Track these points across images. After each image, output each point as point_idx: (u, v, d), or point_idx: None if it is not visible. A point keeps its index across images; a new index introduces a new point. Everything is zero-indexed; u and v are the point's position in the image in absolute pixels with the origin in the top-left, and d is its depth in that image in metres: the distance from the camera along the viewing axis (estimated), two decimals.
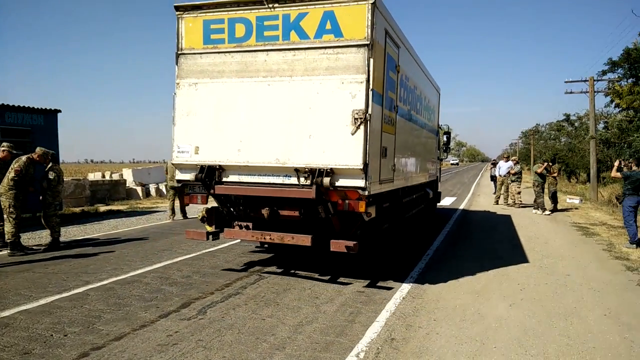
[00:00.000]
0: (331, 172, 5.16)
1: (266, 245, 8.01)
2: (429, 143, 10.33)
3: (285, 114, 5.41)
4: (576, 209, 15.44)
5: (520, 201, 15.65)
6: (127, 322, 4.55)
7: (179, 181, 6.19)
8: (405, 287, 5.90)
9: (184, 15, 5.85)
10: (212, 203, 6.50)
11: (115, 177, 19.32)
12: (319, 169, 5.16)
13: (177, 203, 12.26)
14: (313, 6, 5.28)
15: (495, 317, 4.85)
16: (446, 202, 17.48)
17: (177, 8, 5.86)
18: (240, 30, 5.60)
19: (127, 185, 18.44)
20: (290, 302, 5.27)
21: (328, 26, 5.23)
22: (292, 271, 6.62)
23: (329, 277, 6.31)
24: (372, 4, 5.06)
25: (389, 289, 5.85)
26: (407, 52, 7.13)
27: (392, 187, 6.57)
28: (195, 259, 7.40)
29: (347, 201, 5.35)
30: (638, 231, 8.71)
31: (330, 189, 5.25)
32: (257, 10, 5.51)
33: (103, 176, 19.96)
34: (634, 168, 8.93)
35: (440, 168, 13.48)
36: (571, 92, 24.41)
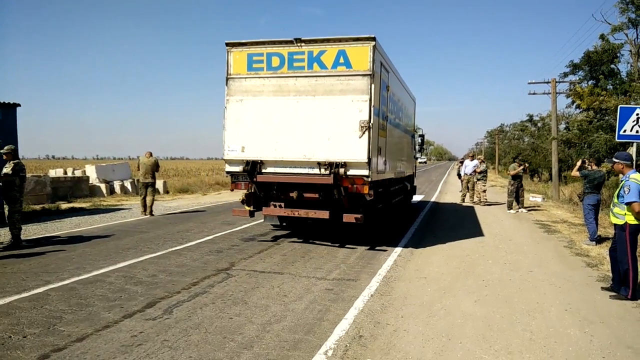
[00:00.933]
0: (344, 165, 7.13)
1: (284, 224, 10.03)
2: (409, 144, 12.63)
3: (310, 122, 7.33)
4: (539, 207, 15.89)
5: (486, 199, 16.00)
6: (90, 323, 4.41)
7: (229, 173, 8.05)
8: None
9: (232, 50, 7.79)
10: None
11: (78, 173, 18.75)
12: (336, 162, 7.12)
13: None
14: (330, 46, 7.24)
15: (461, 313, 4.93)
16: (415, 198, 17.71)
17: (227, 44, 7.82)
18: (275, 61, 7.54)
19: (91, 182, 17.92)
20: (258, 300, 5.22)
21: (341, 60, 7.20)
22: (262, 271, 6.58)
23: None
24: (373, 46, 7.05)
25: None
26: (393, 74, 9.12)
27: (384, 177, 8.59)
28: (162, 257, 7.26)
29: (355, 185, 7.28)
30: (597, 229, 9.02)
31: (343, 177, 7.18)
32: (288, 47, 7.46)
33: (65, 173, 19.32)
34: (594, 167, 9.24)
35: (416, 165, 15.51)
36: (534, 93, 25.01)
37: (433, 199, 18.09)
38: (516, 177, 14.27)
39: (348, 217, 7.50)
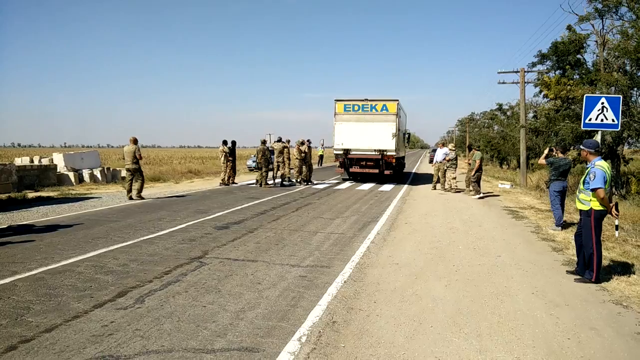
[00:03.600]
0: (384, 150, 18.32)
1: (350, 177, 21.09)
2: (404, 140, 23.11)
3: (370, 133, 18.47)
4: (507, 193, 16.25)
5: (456, 186, 16.28)
6: (59, 313, 4.33)
7: (336, 154, 19.51)
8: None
9: (336, 102, 18.98)
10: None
11: (45, 161, 18.20)
12: (381, 149, 18.32)
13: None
14: (379, 102, 18.49)
15: (432, 298, 5.04)
16: (386, 187, 17.91)
17: (335, 100, 19.00)
18: (355, 107, 18.76)
19: (58, 170, 17.44)
20: (232, 288, 5.22)
21: (384, 108, 18.44)
22: (236, 259, 6.56)
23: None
24: (397, 102, 18.47)
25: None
26: (403, 112, 20.91)
27: (398, 156, 19.64)
28: (133, 246, 7.15)
29: (388, 159, 18.53)
30: (563, 214, 9.29)
31: (384, 154, 18.36)
32: (361, 102, 18.73)
33: (31, 161, 18.71)
34: (560, 155, 9.49)
35: (406, 151, 26.85)
36: (504, 82, 25.49)
37: (404, 188, 18.27)
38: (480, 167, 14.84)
39: (387, 172, 18.82)
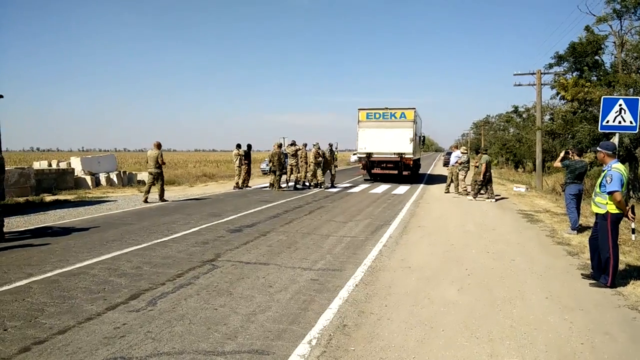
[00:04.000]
0: (403, 153, 20.15)
1: (371, 178, 22.81)
2: (419, 144, 24.48)
3: (391, 137, 20.21)
4: (522, 196, 16.06)
5: (466, 189, 16.19)
6: (72, 315, 4.39)
7: (359, 157, 22.20)
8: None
9: (360, 110, 20.87)
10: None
11: (63, 165, 18.51)
12: (400, 153, 20.12)
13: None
14: (398, 110, 20.43)
15: (444, 302, 5.00)
16: (400, 190, 17.84)
17: (359, 109, 20.89)
18: (377, 115, 20.67)
19: (76, 174, 17.71)
20: (243, 291, 5.23)
21: (402, 115, 20.34)
22: (248, 262, 6.58)
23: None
24: (415, 110, 20.41)
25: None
26: (420, 119, 22.62)
27: (415, 158, 21.77)
28: (146, 249, 7.23)
29: (406, 161, 20.31)
30: (579, 218, 9.15)
31: (402, 157, 20.17)
32: (382, 110, 20.69)
33: (49, 165, 19.05)
34: (576, 158, 9.36)
35: (421, 154, 29.69)
36: (520, 85, 25.21)
37: (418, 191, 18.17)
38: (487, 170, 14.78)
39: (406, 173, 20.60)
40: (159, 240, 7.85)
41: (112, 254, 6.87)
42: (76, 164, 18.50)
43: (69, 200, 13.64)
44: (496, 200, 14.61)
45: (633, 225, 5.99)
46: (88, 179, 17.55)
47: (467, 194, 15.91)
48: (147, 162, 13.74)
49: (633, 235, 6.13)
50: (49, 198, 13.85)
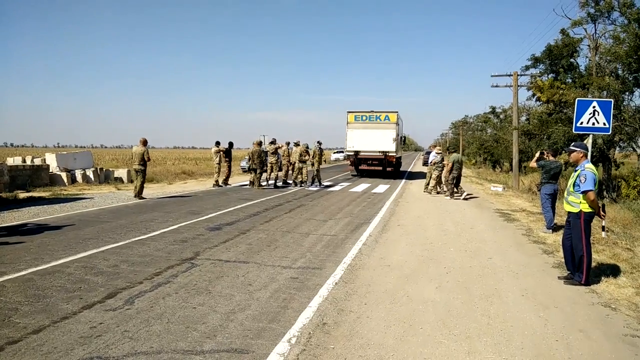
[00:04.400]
0: (387, 152, 22.69)
1: (358, 174, 25.00)
2: (400, 143, 26.22)
3: (376, 137, 22.65)
4: (499, 196, 16.33)
5: (437, 188, 16.53)
6: (47, 315, 4.31)
7: (348, 155, 24.35)
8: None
9: (348, 113, 23.11)
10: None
11: (38, 162, 18.09)
12: (384, 151, 22.64)
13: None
14: (382, 114, 22.79)
15: (423, 300, 5.05)
16: (380, 189, 17.95)
17: (348, 112, 23.16)
18: (364, 118, 23.05)
19: (51, 170, 17.34)
20: (223, 289, 5.20)
21: (386, 118, 22.74)
22: (227, 260, 6.54)
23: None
24: (397, 113, 22.93)
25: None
26: (401, 120, 25.12)
27: (397, 156, 24.42)
28: (124, 247, 7.12)
29: (390, 158, 22.91)
30: (554, 217, 9.35)
31: (386, 155, 22.72)
32: (368, 113, 23.13)
33: (24, 161, 18.59)
34: (551, 158, 9.55)
35: (402, 153, 32.02)
36: (497, 86, 25.61)
37: (397, 190, 18.30)
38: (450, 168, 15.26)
39: (389, 169, 23.33)
40: (136, 239, 7.74)
41: (88, 252, 6.75)
42: (51, 160, 18.11)
43: (43, 197, 13.35)
44: (465, 198, 14.85)
45: (604, 223, 6.16)
46: (63, 175, 17.20)
47: (442, 193, 16.12)
48: (132, 159, 13.70)
49: (604, 233, 6.32)
50: (22, 195, 13.53)
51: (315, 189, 17.65)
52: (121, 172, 20.19)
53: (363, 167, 23.99)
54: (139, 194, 13.45)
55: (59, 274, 5.60)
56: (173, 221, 9.54)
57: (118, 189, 16.41)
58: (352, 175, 25.39)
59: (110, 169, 20.70)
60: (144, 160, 13.43)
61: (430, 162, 16.87)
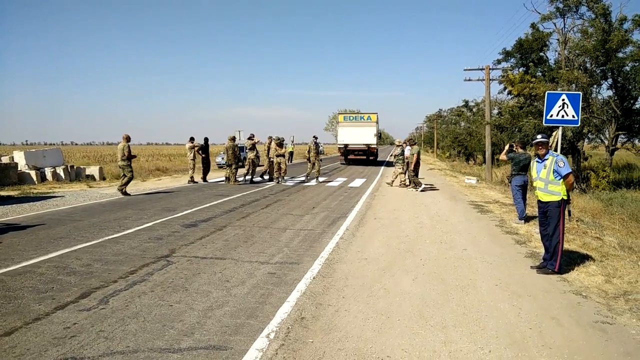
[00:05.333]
0: (369, 144, 30.46)
1: (346, 163, 32.63)
2: (378, 137, 32.00)
3: (361, 133, 30.26)
4: (473, 188, 16.60)
5: (399, 181, 16.88)
6: (19, 316, 4.20)
7: (339, 148, 32.04)
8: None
9: (339, 114, 33.24)
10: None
11: (5, 160, 17.59)
12: (367, 144, 30.42)
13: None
14: (366, 114, 30.88)
15: (400, 292, 5.11)
16: (356, 183, 18.03)
17: (338, 113, 34.19)
18: (352, 117, 31.90)
19: (19, 169, 16.86)
20: (200, 286, 5.16)
21: (369, 118, 30.58)
22: (204, 257, 6.48)
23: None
24: (377, 115, 30.69)
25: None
26: (378, 120, 31.45)
27: (376, 148, 31.81)
28: (97, 246, 6.99)
29: (372, 149, 30.85)
30: (526, 208, 9.56)
31: (369, 147, 30.51)
32: (355, 114, 33.02)
33: None
34: (520, 150, 9.74)
35: (379, 147, 36.19)
36: (470, 80, 25.96)
37: (374, 184, 18.40)
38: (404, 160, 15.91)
39: (371, 158, 31.46)
40: (110, 237, 7.61)
41: (60, 251, 6.60)
42: (19, 158, 17.60)
43: (12, 196, 12.98)
44: (421, 190, 15.12)
45: (570, 208, 6.34)
46: (33, 173, 16.76)
47: (406, 186, 16.31)
48: (117, 155, 13.81)
49: (569, 217, 6.51)
50: None
51: (291, 184, 17.62)
52: (93, 170, 19.78)
53: (351, 157, 31.60)
54: (121, 190, 13.45)
55: (30, 275, 5.47)
56: (147, 218, 9.40)
57: (90, 187, 16.08)
58: (341, 164, 32.84)
59: (82, 167, 20.23)
60: (125, 156, 13.44)
61: (390, 155, 17.30)
